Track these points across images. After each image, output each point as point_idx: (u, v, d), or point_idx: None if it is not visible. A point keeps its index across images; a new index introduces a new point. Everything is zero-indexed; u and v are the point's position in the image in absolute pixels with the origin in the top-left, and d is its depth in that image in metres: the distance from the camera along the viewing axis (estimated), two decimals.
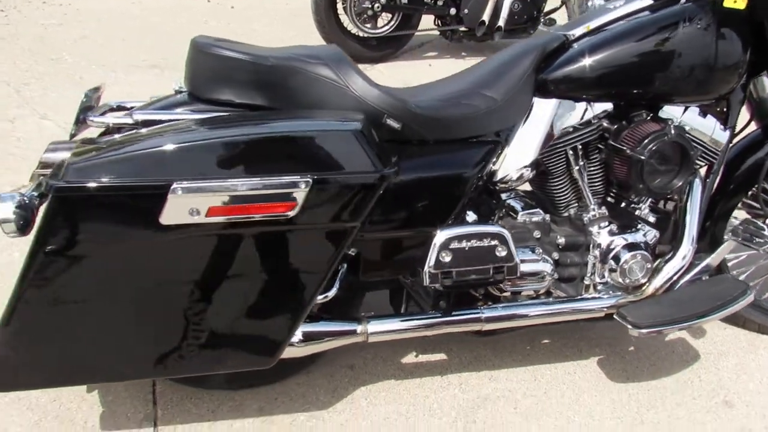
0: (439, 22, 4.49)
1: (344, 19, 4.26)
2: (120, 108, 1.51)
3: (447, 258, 1.43)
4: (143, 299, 1.20)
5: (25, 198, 1.24)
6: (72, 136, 1.45)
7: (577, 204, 1.70)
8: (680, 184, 1.56)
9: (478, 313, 1.54)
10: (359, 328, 1.46)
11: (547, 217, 1.66)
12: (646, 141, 1.49)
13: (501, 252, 1.46)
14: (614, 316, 1.63)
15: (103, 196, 1.10)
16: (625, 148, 1.51)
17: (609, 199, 1.74)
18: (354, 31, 4.28)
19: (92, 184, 1.09)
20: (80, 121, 1.39)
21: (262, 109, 1.35)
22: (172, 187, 1.12)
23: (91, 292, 1.17)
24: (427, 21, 4.53)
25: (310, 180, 1.19)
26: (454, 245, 1.43)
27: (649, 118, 1.57)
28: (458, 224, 1.47)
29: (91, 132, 1.51)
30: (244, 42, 1.56)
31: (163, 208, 1.13)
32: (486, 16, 4.21)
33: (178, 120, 1.31)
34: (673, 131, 1.50)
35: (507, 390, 1.83)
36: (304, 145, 1.22)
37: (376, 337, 1.49)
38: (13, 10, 5.08)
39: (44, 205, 1.15)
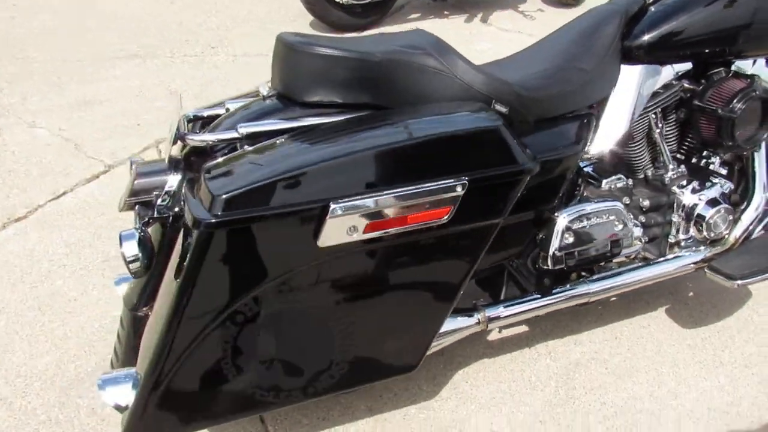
0: None
1: None
2: (197, 118, 1.40)
3: (570, 239, 1.43)
4: (298, 324, 1.16)
5: (142, 232, 1.17)
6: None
7: (652, 165, 1.71)
8: (765, 136, 1.58)
9: (587, 286, 1.55)
10: (479, 317, 1.45)
11: (630, 181, 1.67)
12: (735, 99, 1.50)
13: (618, 226, 1.47)
14: (706, 271, 1.68)
15: (257, 226, 1.02)
16: (714, 107, 1.52)
17: (679, 156, 1.76)
18: None
19: (245, 215, 1.01)
20: (175, 140, 1.29)
21: (367, 107, 1.28)
22: (331, 208, 1.06)
23: (244, 324, 1.12)
24: None
25: (466, 182, 1.16)
26: (576, 225, 1.42)
27: (730, 75, 1.58)
28: (575, 204, 1.47)
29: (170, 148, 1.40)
30: (314, 33, 1.46)
31: (321, 230, 1.07)
32: None
33: (286, 130, 1.22)
34: (759, 87, 1.51)
35: (594, 352, 1.87)
36: (455, 146, 1.17)
37: (495, 324, 1.49)
38: None
39: (188, 240, 1.07)
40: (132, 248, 1.10)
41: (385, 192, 1.10)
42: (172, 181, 1.26)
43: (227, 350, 1.12)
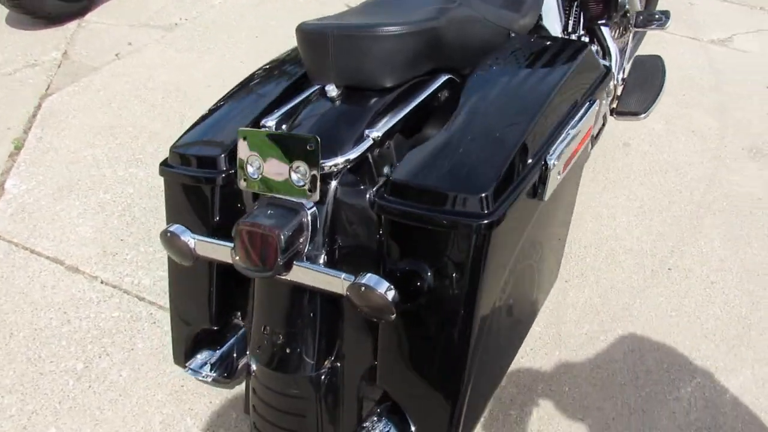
0: None
1: None
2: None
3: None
4: (514, 286, 1.17)
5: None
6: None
7: None
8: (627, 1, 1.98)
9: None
10: None
11: None
12: None
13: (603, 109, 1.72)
14: (615, 117, 2.06)
15: (510, 207, 1.00)
16: None
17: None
18: None
19: (507, 202, 0.99)
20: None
21: (433, 72, 1.25)
22: (550, 163, 1.09)
23: (499, 306, 1.10)
24: None
25: (597, 99, 1.30)
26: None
27: None
28: None
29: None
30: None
31: (546, 184, 1.11)
32: None
33: (405, 118, 1.15)
34: None
35: None
36: (579, 74, 1.28)
37: None
38: None
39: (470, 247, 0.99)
40: (388, 288, 0.93)
41: (568, 131, 1.18)
42: (311, 218, 1.07)
43: (489, 337, 1.10)
